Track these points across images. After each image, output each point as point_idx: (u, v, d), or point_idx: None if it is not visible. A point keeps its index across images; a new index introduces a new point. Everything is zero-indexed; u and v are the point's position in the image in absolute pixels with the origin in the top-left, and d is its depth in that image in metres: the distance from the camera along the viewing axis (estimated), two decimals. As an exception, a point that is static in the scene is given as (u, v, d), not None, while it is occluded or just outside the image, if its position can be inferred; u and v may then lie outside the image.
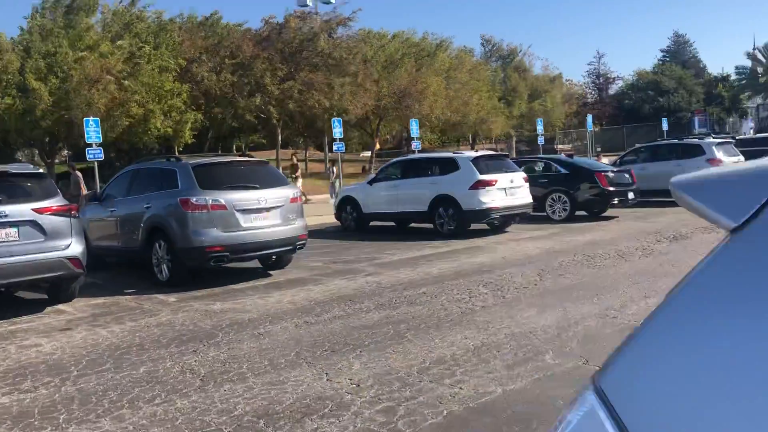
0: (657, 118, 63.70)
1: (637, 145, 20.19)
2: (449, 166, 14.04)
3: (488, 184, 13.45)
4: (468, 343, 5.87)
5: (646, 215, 16.12)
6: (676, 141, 19.47)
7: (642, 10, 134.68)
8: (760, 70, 67.41)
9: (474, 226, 14.15)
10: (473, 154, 14.19)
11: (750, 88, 68.88)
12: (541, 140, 27.19)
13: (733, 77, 69.58)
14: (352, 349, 5.86)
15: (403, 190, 14.71)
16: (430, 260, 10.99)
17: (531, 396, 4.56)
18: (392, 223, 15.88)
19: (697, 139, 19.03)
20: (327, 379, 5.09)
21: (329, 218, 17.67)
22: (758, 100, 77.23)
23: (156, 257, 9.74)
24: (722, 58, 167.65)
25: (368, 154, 46.36)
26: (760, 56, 69.87)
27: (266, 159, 12.97)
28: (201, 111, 28.98)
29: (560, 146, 54.07)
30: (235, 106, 29.02)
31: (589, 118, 31.98)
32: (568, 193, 15.76)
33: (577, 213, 15.84)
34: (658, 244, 11.36)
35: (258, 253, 9.88)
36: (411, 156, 15.57)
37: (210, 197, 9.19)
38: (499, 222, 14.26)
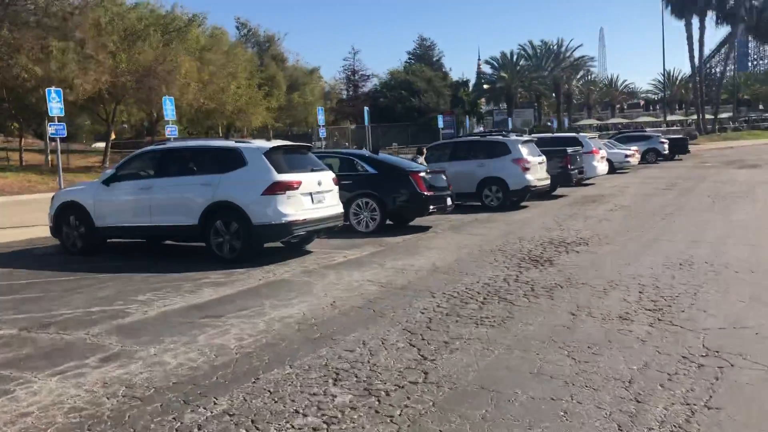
0: (409, 117, 64.97)
1: (436, 143, 17.64)
2: (229, 159, 9.77)
3: (289, 187, 9.46)
4: None
5: (462, 224, 13.44)
6: (478, 138, 17.31)
7: (392, 14, 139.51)
8: (495, 75, 72.25)
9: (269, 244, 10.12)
10: (264, 144, 10.04)
11: (488, 94, 73.71)
12: (323, 133, 23.84)
13: (473, 82, 73.90)
14: None
15: (159, 193, 10.05)
16: (191, 321, 6.68)
17: None
18: (141, 240, 11.12)
19: (501, 137, 17.03)
20: None
21: (44, 231, 12.20)
22: (490, 105, 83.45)
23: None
24: (462, 65, 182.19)
25: (102, 145, 39.00)
26: (489, 67, 75.10)
27: None
28: None
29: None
30: None
31: (366, 111, 29.60)
32: (378, 199, 12.40)
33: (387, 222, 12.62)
34: (525, 269, 8.42)
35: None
36: (170, 145, 10.89)
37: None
38: (300, 239, 10.39)
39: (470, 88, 73.18)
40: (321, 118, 24.20)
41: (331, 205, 10.36)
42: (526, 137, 17.66)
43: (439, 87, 67.52)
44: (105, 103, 32.68)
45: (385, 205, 12.39)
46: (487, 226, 13.05)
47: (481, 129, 65.18)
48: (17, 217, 16.57)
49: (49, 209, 11.18)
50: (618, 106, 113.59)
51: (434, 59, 75.93)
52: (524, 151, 16.26)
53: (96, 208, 10.54)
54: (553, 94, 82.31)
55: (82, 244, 10.76)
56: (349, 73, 67.99)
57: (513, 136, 17.13)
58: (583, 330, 5.77)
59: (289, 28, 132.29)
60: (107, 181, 10.53)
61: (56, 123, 12.72)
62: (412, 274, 8.54)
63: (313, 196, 9.94)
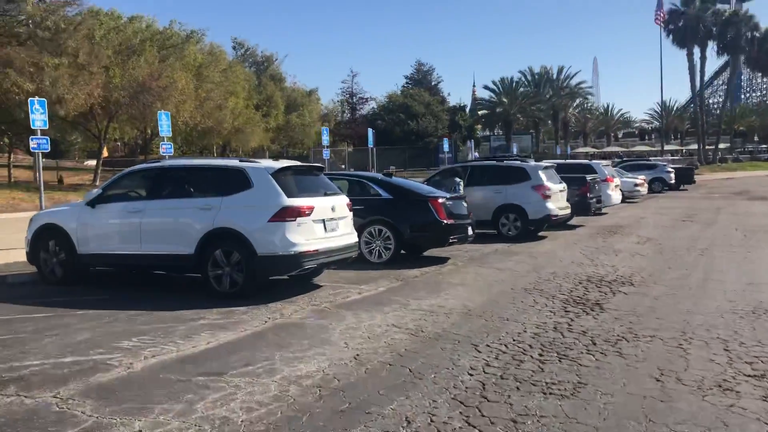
0: (407, 141, 64.09)
1: (448, 166, 16.52)
2: (232, 181, 8.60)
3: (300, 213, 8.28)
4: None
5: (482, 256, 12.28)
6: (494, 163, 16.20)
7: (390, 39, 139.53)
8: (495, 100, 71.59)
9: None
10: (272, 164, 8.86)
11: (484, 119, 73.02)
12: (326, 154, 22.72)
13: (468, 107, 73.25)
14: None
15: (151, 217, 8.85)
16: (186, 380, 5.46)
17: None
18: (125, 270, 9.89)
19: (519, 161, 15.95)
20: None
21: (23, 255, 10.94)
22: (486, 131, 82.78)
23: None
24: (458, 90, 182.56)
25: (94, 163, 37.77)
26: (489, 92, 74.48)
27: None
28: None
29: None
30: None
31: (370, 132, 28.53)
32: (393, 226, 11.23)
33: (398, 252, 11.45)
34: (575, 315, 7.24)
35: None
36: (166, 163, 9.69)
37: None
38: (309, 271, 9.19)
39: (467, 113, 72.65)
40: (325, 138, 23.08)
41: (345, 233, 9.18)
42: (546, 163, 16.58)
43: (437, 111, 66.79)
44: (97, 119, 31.49)
45: (400, 233, 11.22)
46: (513, 259, 11.88)
47: (476, 155, 64.30)
48: (-5, 238, 15.28)
49: (27, 233, 9.93)
50: (612, 134, 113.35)
51: (432, 83, 75.34)
52: (544, 177, 15.17)
53: (79, 232, 9.32)
54: (550, 122, 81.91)
55: (62, 272, 9.52)
56: (347, 95, 67.20)
57: (532, 162, 16.05)
58: (683, 405, 4.58)
59: (286, 50, 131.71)
60: (92, 203, 9.32)
61: (39, 137, 11.47)
62: (443, 318, 7.35)
63: (326, 223, 8.76)
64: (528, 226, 15.07)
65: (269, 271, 8.36)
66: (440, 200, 11.31)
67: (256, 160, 9.01)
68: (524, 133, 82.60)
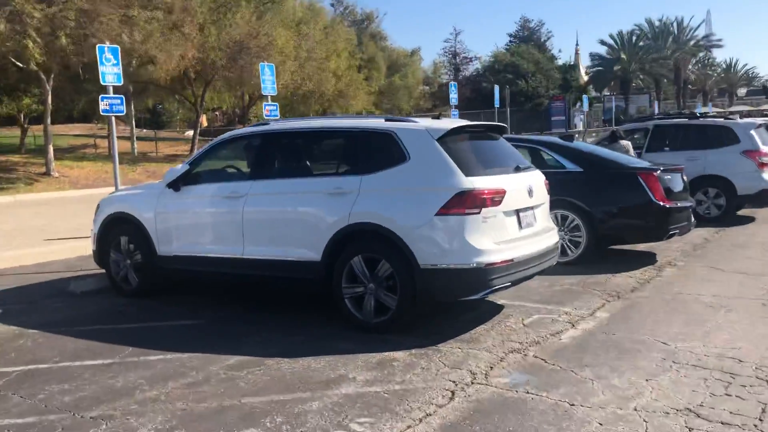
0: (515, 102, 59.50)
1: (625, 126, 12.87)
2: (375, 150, 5.62)
3: (485, 201, 5.17)
4: None
5: (698, 249, 8.82)
6: (686, 121, 12.41)
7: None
8: (612, 57, 65.59)
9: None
10: (436, 124, 5.70)
11: (603, 77, 67.09)
12: (455, 113, 19.50)
13: (588, 64, 67.52)
14: None
15: (254, 205, 6.00)
16: None
17: None
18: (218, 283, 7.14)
19: (722, 119, 12.14)
20: None
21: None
22: (594, 92, 76.52)
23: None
24: (567, 47, 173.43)
25: (192, 133, 36.17)
26: (606, 48, 68.28)
27: None
28: None
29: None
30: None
31: (496, 90, 25.04)
32: (586, 212, 7.94)
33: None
34: None
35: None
36: (276, 126, 6.67)
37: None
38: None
39: (577, 72, 66.85)
40: (454, 96, 19.75)
41: (544, 230, 6.00)
42: (760, 120, 12.62)
43: (548, 70, 61.79)
44: (193, 85, 29.52)
45: (594, 221, 7.92)
46: (746, 254, 8.34)
47: (656, 112, 58.70)
48: (75, 219, 13.17)
49: (93, 224, 7.36)
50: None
51: (542, 40, 69.88)
52: (759, 140, 11.34)
53: (159, 225, 6.62)
54: (665, 80, 74.56)
55: (138, 280, 6.89)
56: (450, 55, 63.10)
57: (740, 120, 12.19)
58: None
59: (385, 8, 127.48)
60: (176, 183, 6.56)
61: (111, 96, 8.84)
62: (761, 385, 4.10)
63: (521, 215, 5.61)
64: (734, 204, 11.36)
65: (437, 292, 5.31)
66: (655, 173, 7.88)
67: (411, 118, 5.86)
68: (639, 92, 75.88)
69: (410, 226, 5.21)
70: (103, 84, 8.71)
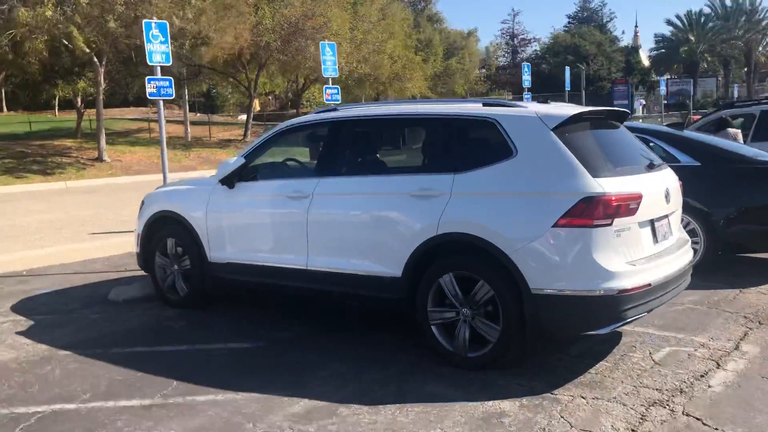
0: (575, 86, 57.29)
1: (718, 113, 11.34)
2: (473, 142, 4.59)
3: (619, 208, 4.05)
4: None
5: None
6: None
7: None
8: (680, 37, 62.44)
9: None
10: (550, 108, 4.58)
11: (668, 59, 64.00)
12: (528, 96, 18.20)
13: (652, 46, 64.58)
14: None
15: (321, 207, 5.01)
16: None
17: None
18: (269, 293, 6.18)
19: None
20: None
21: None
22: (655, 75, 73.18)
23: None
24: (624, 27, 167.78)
25: (245, 118, 35.62)
26: (672, 28, 65.02)
27: None
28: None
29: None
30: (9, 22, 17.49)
31: (567, 72, 23.61)
32: (704, 215, 6.70)
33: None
34: None
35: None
36: (349, 112, 5.65)
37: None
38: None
39: (648, 52, 63.92)
40: (527, 78, 18.41)
41: (680, 243, 4.83)
42: None
43: (610, 52, 59.28)
44: (247, 68, 28.83)
45: (714, 225, 6.67)
46: None
47: (642, 103, 56.16)
48: (123, 209, 12.51)
49: (137, 223, 6.50)
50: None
51: (603, 21, 67.09)
52: None
53: (210, 226, 5.71)
54: (733, 62, 70.65)
55: (187, 290, 6.01)
56: (508, 37, 61.09)
57: None
58: None
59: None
60: (229, 179, 5.62)
61: (158, 78, 7.98)
62: None
63: (656, 226, 4.47)
64: None
65: (553, 324, 4.22)
66: (794, 169, 6.57)
67: (515, 102, 4.75)
68: (705, 75, 72.29)
69: (519, 239, 4.13)
70: (150, 64, 7.84)
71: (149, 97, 8.04)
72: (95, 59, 20.43)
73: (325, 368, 4.50)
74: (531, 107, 4.54)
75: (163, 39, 7.75)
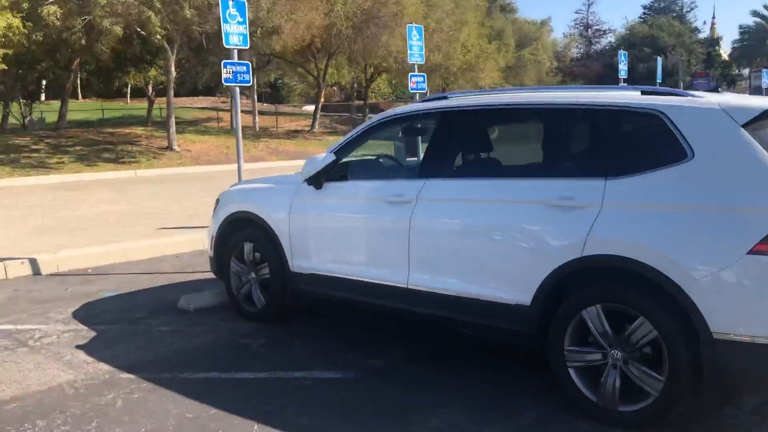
0: (652, 79, 54.74)
1: None
2: (630, 140, 3.66)
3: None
4: None
5: None
6: None
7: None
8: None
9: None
10: (735, 99, 3.63)
11: (752, 51, 60.50)
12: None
13: (736, 38, 61.18)
14: None
15: (426, 215, 4.18)
16: None
17: None
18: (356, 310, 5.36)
19: None
20: None
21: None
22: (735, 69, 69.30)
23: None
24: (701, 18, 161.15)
25: (312, 108, 35.21)
26: (757, 17, 61.35)
27: None
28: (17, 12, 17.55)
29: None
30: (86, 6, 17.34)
31: (659, 62, 22.10)
32: None
33: None
34: None
35: None
36: (462, 101, 4.79)
37: None
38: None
39: (733, 43, 60.58)
40: (623, 68, 17.19)
41: None
42: None
43: (690, 44, 56.34)
44: (316, 57, 28.29)
45: None
46: None
47: None
48: (191, 201, 12.02)
49: (211, 223, 5.81)
50: None
51: (683, 11, 63.90)
52: None
53: (293, 231, 4.95)
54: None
55: (265, 302, 5.27)
56: (582, 27, 58.79)
57: None
58: None
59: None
60: (316, 178, 4.83)
61: (235, 62, 7.16)
62: None
63: None
64: None
65: (744, 379, 3.26)
66: None
67: (688, 91, 3.77)
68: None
69: (698, 268, 3.19)
70: (227, 46, 7.13)
71: (224, 83, 7.34)
72: (167, 46, 20.20)
73: (430, 413, 3.66)
74: (709, 97, 3.55)
75: (241, 19, 7.04)
